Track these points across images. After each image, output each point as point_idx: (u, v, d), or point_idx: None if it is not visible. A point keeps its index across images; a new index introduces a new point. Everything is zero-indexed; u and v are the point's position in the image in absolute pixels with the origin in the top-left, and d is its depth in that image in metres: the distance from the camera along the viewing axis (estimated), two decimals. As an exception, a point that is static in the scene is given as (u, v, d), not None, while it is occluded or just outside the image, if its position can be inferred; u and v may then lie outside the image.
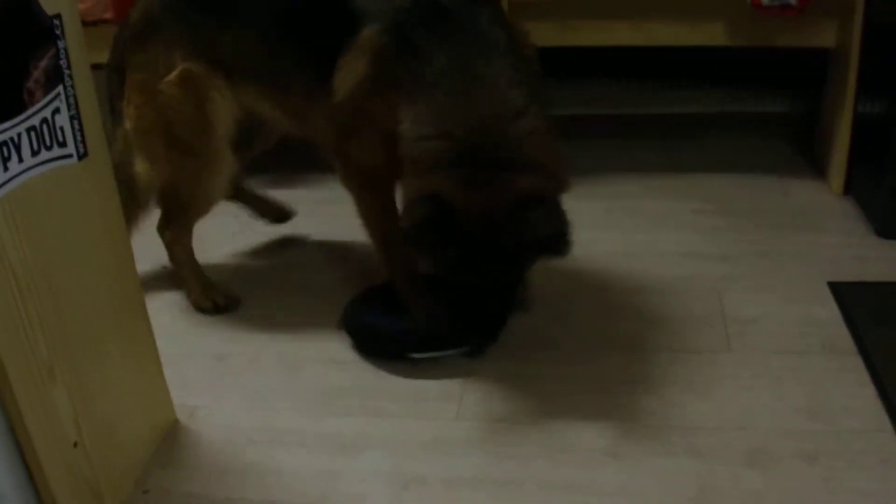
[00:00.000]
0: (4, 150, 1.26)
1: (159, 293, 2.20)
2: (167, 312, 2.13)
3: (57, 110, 1.36)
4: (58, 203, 1.39)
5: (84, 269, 1.47)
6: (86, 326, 1.48)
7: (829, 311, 1.96)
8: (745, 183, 2.54)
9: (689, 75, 2.95)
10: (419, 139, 1.69)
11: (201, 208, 2.10)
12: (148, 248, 2.13)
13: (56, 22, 1.34)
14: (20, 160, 1.30)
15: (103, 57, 2.04)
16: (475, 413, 1.76)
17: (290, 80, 1.93)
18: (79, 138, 1.42)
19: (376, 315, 1.96)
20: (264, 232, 2.46)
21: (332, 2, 1.82)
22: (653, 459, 1.60)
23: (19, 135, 1.29)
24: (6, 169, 1.27)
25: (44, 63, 1.33)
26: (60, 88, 1.37)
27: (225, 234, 2.45)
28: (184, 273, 2.18)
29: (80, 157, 1.43)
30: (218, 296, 2.16)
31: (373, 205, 1.94)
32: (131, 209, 2.01)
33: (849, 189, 2.41)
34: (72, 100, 1.39)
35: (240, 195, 2.38)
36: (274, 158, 2.36)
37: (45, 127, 1.34)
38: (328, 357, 1.95)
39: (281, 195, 2.48)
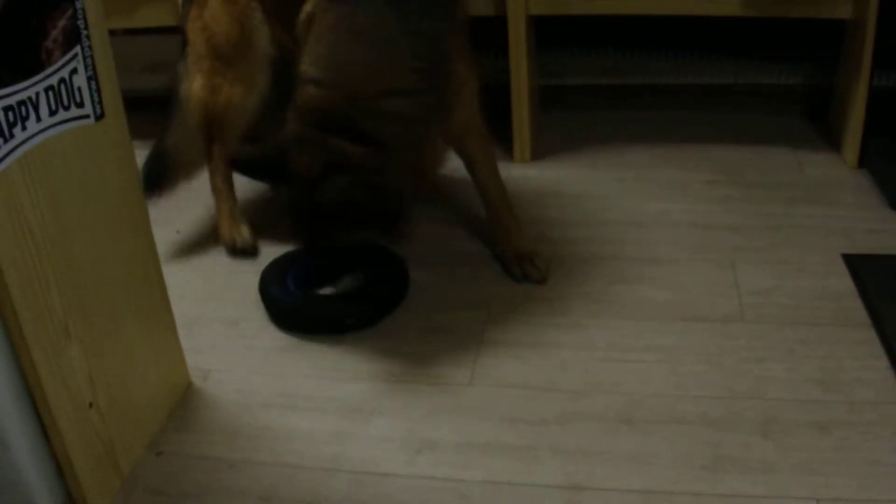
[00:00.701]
0: (23, 109, 1.26)
1: (174, 256, 2.20)
2: (182, 276, 2.13)
3: (74, 71, 1.36)
4: (75, 163, 1.39)
5: (100, 229, 1.48)
6: (101, 286, 1.48)
7: (843, 283, 1.95)
8: (759, 155, 2.53)
9: (702, 46, 2.93)
10: (306, 80, 1.77)
11: (236, 123, 2.18)
12: (164, 211, 2.13)
13: (74, -19, 1.34)
14: (38, 120, 1.30)
15: (119, 22, 2.07)
16: (488, 379, 1.76)
17: (288, 20, 2.00)
18: (96, 99, 1.42)
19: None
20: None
21: None
22: (666, 427, 1.61)
23: (37, 94, 1.29)
24: (24, 128, 1.27)
25: (62, 23, 1.32)
26: (78, 49, 1.36)
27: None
28: (217, 204, 2.25)
29: (98, 118, 1.43)
30: (239, 237, 2.21)
31: None
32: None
33: (863, 162, 2.40)
34: (89, 60, 1.39)
35: None
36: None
37: (62, 87, 1.34)
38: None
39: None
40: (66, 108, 1.35)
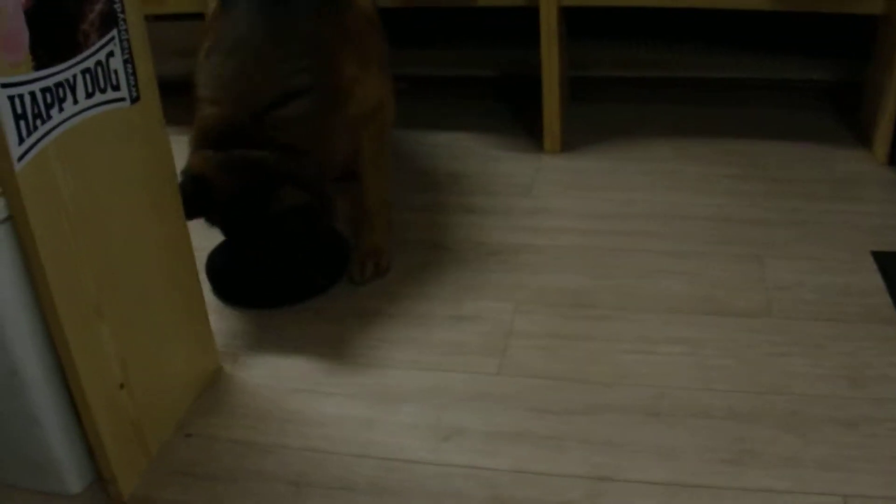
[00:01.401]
0: (60, 91, 1.28)
1: (205, 241, 2.21)
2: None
3: (111, 54, 1.37)
4: (109, 145, 1.40)
5: (133, 211, 1.49)
6: (133, 268, 1.50)
7: (872, 279, 1.95)
8: (788, 150, 2.51)
9: (730, 40, 2.92)
10: (201, 101, 1.81)
11: None
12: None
13: (112, -35, 1.35)
14: (75, 101, 1.31)
15: (153, 9, 2.08)
16: (516, 368, 1.76)
17: None
18: (132, 82, 1.43)
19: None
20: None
21: None
22: (691, 420, 1.61)
23: (74, 76, 1.30)
24: (62, 110, 1.28)
25: (99, 6, 1.33)
26: (115, 32, 1.37)
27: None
28: None
29: (133, 101, 1.44)
30: None
31: None
32: None
33: (893, 158, 2.39)
34: (125, 44, 1.40)
35: None
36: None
37: (99, 70, 1.35)
38: (372, 309, 1.96)
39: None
40: (103, 91, 1.37)
